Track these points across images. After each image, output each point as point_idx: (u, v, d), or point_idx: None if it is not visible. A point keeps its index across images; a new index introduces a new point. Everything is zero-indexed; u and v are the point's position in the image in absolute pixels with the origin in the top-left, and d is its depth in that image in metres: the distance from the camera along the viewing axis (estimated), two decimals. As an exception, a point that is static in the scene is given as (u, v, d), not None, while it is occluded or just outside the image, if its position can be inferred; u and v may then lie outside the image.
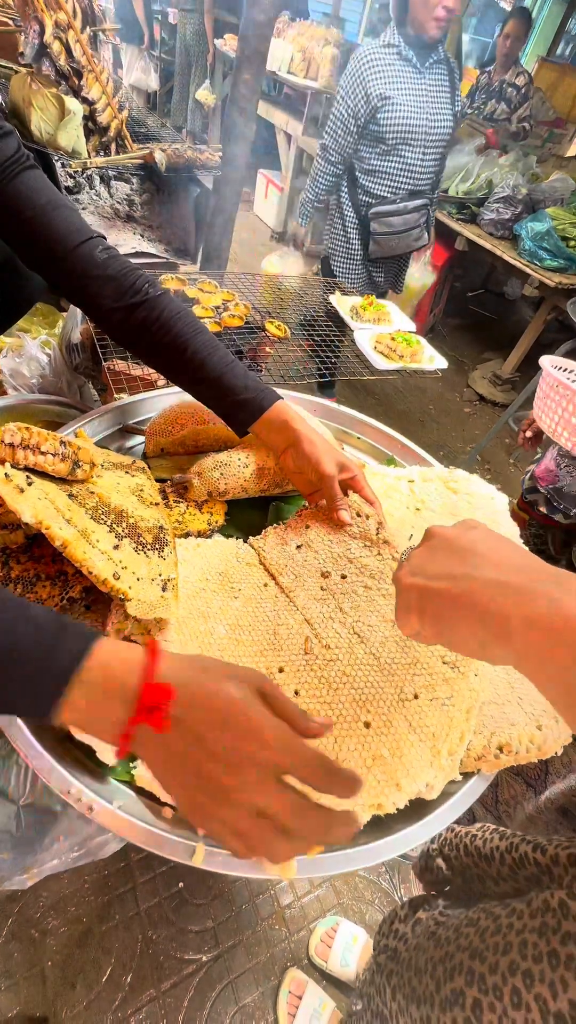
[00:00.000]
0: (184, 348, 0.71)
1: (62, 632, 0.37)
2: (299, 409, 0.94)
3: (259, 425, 0.73)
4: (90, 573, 0.50)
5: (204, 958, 1.26)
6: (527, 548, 0.42)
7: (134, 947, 1.25)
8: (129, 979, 1.21)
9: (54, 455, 0.56)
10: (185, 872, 1.34)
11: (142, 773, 0.49)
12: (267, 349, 1.19)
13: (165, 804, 0.49)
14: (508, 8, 5.96)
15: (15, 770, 0.65)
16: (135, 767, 0.51)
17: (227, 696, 0.35)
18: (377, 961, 0.69)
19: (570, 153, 4.10)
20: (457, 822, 1.13)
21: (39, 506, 0.50)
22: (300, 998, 1.22)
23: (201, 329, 0.73)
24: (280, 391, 1.06)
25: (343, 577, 0.68)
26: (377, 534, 0.70)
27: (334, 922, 1.32)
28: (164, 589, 0.56)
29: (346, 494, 0.73)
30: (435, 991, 0.50)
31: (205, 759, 0.33)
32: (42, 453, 0.55)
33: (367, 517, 0.71)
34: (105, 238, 0.72)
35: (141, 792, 0.50)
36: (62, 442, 0.57)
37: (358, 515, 0.71)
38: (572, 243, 2.67)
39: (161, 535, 0.62)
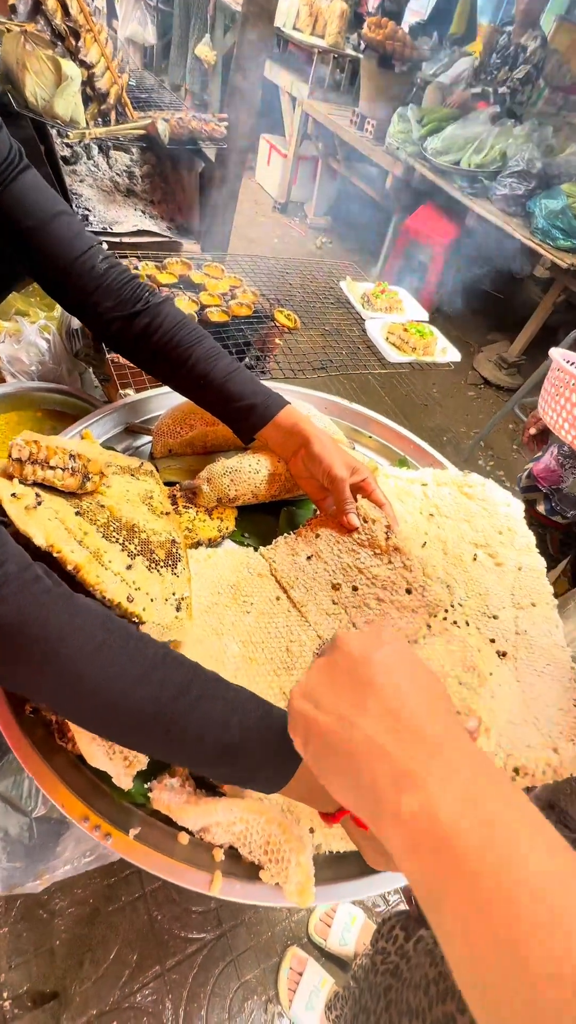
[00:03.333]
0: (188, 354, 0.69)
1: (274, 722, 0.44)
2: (309, 407, 0.91)
3: (268, 430, 0.71)
4: (103, 597, 0.49)
5: (207, 937, 1.30)
6: None
7: (140, 927, 1.29)
8: (135, 957, 1.26)
9: (63, 469, 0.54)
10: (189, 856, 1.37)
11: (157, 797, 0.49)
12: (276, 340, 1.15)
13: (181, 829, 0.48)
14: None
15: (27, 783, 0.65)
16: (150, 787, 0.50)
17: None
18: (374, 961, 0.70)
19: (587, 123, 3.92)
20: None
21: (50, 527, 0.48)
22: (300, 975, 1.27)
23: (204, 335, 0.71)
24: (290, 386, 1.04)
25: (354, 589, 0.66)
26: (387, 540, 0.68)
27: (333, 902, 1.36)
28: (178, 609, 0.54)
29: (356, 498, 0.71)
30: (427, 1009, 0.52)
31: None
32: (51, 468, 0.53)
33: (374, 522, 0.69)
34: (103, 244, 0.69)
35: (156, 814, 0.50)
36: (71, 455, 0.54)
37: (365, 521, 0.69)
38: (587, 222, 2.59)
39: (174, 550, 0.60)
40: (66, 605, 0.40)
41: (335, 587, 0.66)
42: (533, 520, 1.54)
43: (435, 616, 0.65)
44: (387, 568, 0.67)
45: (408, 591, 0.65)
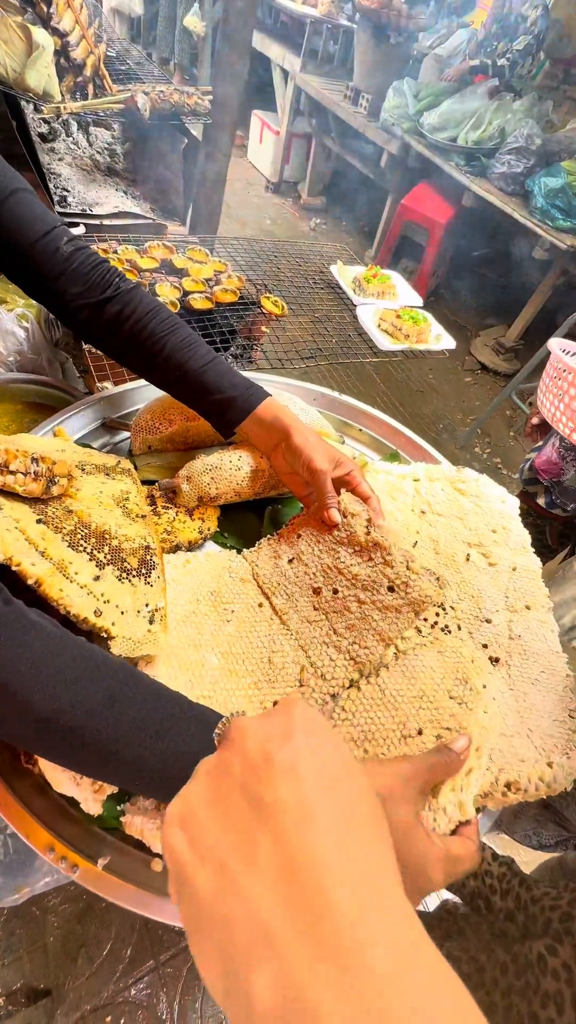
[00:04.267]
0: (162, 344, 0.65)
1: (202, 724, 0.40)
2: (294, 399, 0.87)
3: (248, 424, 0.68)
4: (68, 612, 0.46)
5: (201, 931, 1.30)
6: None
7: (133, 921, 1.29)
8: (129, 951, 1.26)
9: (25, 474, 0.50)
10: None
11: (130, 821, 0.46)
12: (263, 328, 1.10)
13: (156, 855, 0.46)
14: None
15: (-1, 800, 0.63)
16: (123, 810, 0.48)
17: None
18: None
19: (589, 96, 3.79)
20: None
21: (8, 539, 0.45)
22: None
23: (179, 324, 0.67)
24: (277, 377, 0.99)
25: (335, 592, 0.63)
26: (367, 535, 0.64)
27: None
28: (151, 621, 0.51)
29: (340, 493, 0.67)
30: None
31: None
32: (11, 472, 0.49)
33: (353, 516, 0.65)
34: (67, 226, 0.65)
35: (129, 838, 0.47)
36: (34, 459, 0.51)
37: (345, 516, 0.66)
38: (588, 201, 2.51)
39: (148, 556, 0.57)
40: (14, 628, 0.37)
41: (316, 591, 0.63)
42: (531, 511, 1.52)
43: (423, 617, 0.62)
44: (367, 566, 0.63)
45: (391, 588, 0.62)
